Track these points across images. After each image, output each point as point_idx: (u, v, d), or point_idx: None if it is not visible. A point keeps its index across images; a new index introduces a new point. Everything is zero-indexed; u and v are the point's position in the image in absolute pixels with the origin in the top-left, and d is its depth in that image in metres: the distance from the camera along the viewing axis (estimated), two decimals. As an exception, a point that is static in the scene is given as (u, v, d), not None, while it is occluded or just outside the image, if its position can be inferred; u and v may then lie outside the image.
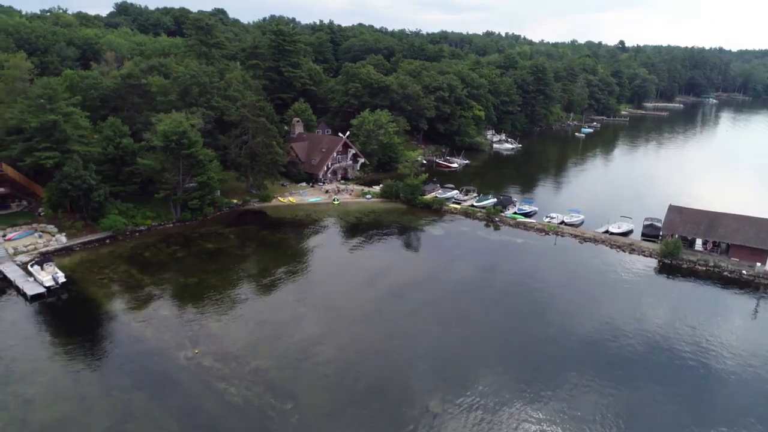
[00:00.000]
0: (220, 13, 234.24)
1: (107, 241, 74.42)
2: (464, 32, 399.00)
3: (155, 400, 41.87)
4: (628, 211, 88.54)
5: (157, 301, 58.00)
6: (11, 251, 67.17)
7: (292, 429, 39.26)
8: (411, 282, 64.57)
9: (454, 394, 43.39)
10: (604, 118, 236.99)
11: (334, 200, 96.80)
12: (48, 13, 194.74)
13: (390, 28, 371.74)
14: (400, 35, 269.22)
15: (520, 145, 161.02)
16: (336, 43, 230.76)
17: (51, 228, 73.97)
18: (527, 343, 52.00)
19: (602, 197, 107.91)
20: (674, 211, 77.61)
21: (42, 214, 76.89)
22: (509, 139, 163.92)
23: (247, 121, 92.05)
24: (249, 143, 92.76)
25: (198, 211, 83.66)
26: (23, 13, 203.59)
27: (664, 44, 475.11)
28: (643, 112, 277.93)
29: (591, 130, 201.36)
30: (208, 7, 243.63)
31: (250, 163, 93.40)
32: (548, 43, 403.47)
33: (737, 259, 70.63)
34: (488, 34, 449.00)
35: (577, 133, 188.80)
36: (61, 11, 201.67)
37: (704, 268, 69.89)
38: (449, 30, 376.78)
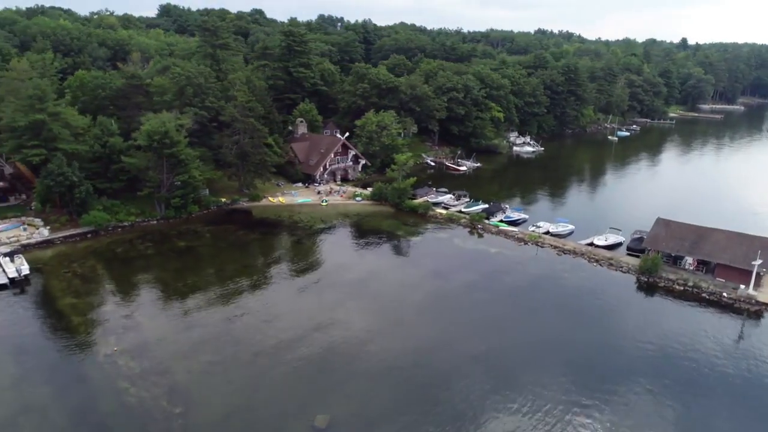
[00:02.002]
0: (257, 13, 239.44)
1: (88, 235, 77.48)
2: (517, 30, 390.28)
3: (58, 396, 43.13)
4: (630, 223, 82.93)
5: (105, 296, 59.87)
6: (-6, 243, 71.32)
7: (171, 433, 39.44)
8: (353, 291, 63.43)
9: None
10: (648, 120, 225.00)
11: (322, 202, 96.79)
12: (95, 15, 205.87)
13: (451, 27, 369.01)
14: (436, 34, 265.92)
15: (542, 148, 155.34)
16: (370, 43, 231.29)
17: (37, 221, 77.95)
18: (433, 356, 49.82)
19: (607, 207, 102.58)
20: (661, 224, 72.32)
21: (32, 208, 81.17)
22: (531, 142, 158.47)
23: (236, 121, 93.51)
24: (240, 143, 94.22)
25: (181, 209, 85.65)
26: (81, 15, 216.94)
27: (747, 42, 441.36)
28: (696, 114, 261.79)
29: (627, 134, 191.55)
30: (250, 8, 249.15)
31: (240, 162, 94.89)
32: (601, 41, 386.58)
33: (722, 280, 64.99)
34: (540, 32, 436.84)
35: (609, 137, 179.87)
36: (108, 14, 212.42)
37: (682, 288, 64.70)
38: (507, 29, 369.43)
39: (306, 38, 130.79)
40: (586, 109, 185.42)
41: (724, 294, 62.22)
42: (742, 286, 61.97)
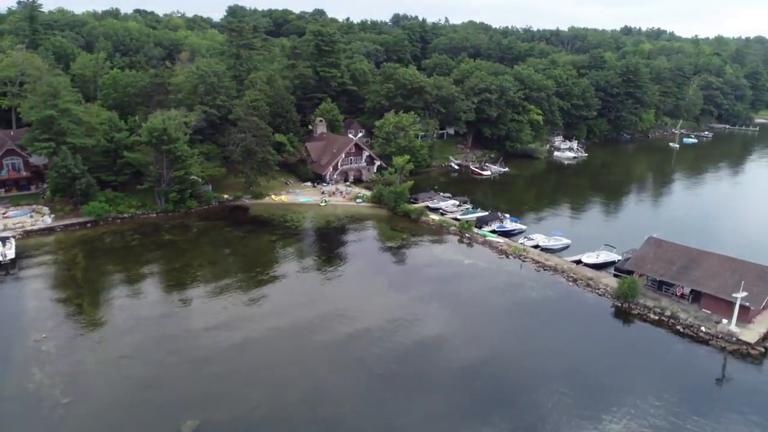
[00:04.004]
0: (318, 14, 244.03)
1: (88, 225, 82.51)
2: (610, 28, 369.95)
3: (-29, 378, 46.09)
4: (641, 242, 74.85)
5: (68, 284, 63.39)
6: (0, 227, 77.93)
7: (49, 421, 40.82)
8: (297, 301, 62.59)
9: None
10: (726, 126, 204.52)
11: (322, 202, 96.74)
12: (165, 17, 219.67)
13: (538, 27, 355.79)
14: (500, 33, 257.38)
15: (585, 154, 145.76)
16: (426, 42, 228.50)
17: (44, 210, 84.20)
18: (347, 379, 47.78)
19: (624, 223, 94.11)
20: (651, 244, 65.04)
21: (44, 197, 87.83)
22: (574, 147, 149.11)
23: (240, 120, 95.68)
24: (245, 141, 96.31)
25: (180, 203, 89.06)
26: (161, 15, 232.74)
27: None
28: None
29: (694, 141, 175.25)
30: (318, 8, 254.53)
31: (245, 160, 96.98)
32: (691, 39, 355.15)
33: (708, 312, 57.29)
34: (626, 30, 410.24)
35: (671, 143, 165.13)
36: (179, 15, 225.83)
37: (657, 318, 57.73)
38: (599, 27, 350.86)
39: (335, 38, 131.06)
40: (646, 113, 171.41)
41: (703, 328, 54.74)
42: (725, 321, 54.21)
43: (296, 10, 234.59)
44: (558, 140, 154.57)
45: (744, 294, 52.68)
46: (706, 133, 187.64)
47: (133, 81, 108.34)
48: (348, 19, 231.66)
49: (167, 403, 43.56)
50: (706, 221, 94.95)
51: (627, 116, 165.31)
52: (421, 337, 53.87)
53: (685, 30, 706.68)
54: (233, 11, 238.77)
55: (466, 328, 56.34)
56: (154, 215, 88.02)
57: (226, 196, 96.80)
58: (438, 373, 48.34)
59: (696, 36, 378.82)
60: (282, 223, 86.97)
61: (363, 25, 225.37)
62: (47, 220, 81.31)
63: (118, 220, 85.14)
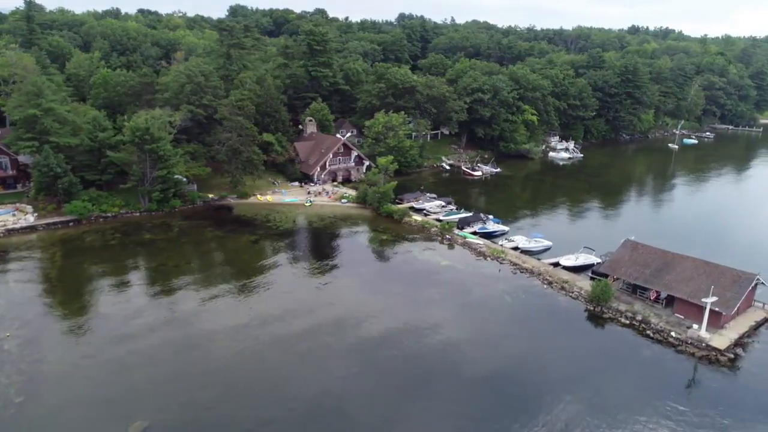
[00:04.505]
0: (319, 13, 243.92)
1: (71, 224, 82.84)
2: (617, 28, 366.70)
3: (-68, 374, 46.34)
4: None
5: (40, 282, 63.65)
6: (-18, 226, 78.48)
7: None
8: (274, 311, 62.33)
9: None
10: (730, 127, 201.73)
11: (306, 202, 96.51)
12: (170, 16, 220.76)
13: (548, 26, 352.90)
14: (502, 32, 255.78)
15: (581, 155, 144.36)
16: (427, 41, 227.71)
17: (28, 208, 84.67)
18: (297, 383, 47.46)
19: (611, 225, 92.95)
20: (627, 247, 64.08)
21: (29, 196, 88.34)
22: (570, 148, 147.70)
23: (225, 119, 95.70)
24: (230, 141, 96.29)
25: (163, 202, 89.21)
26: (164, 15, 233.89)
27: None
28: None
29: (694, 142, 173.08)
30: (324, 8, 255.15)
31: (229, 160, 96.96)
32: (697, 38, 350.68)
33: (681, 317, 56.26)
34: (633, 29, 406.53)
35: (670, 145, 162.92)
36: (179, 15, 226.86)
37: (628, 322, 56.78)
38: (607, 26, 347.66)
39: (327, 37, 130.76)
40: (645, 114, 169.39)
41: (673, 333, 53.75)
42: (695, 326, 53.18)
43: (298, 10, 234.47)
44: (554, 141, 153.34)
45: (714, 299, 51.65)
46: (707, 133, 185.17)
47: (123, 80, 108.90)
48: (347, 18, 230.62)
49: (120, 403, 43.39)
50: (691, 224, 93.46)
51: (625, 116, 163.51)
52: (370, 335, 54.04)
53: (695, 29, 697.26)
54: (234, 11, 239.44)
55: (425, 328, 55.50)
56: (138, 214, 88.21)
57: (211, 195, 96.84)
58: (390, 368, 48.02)
59: (705, 35, 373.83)
60: (264, 223, 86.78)
61: (363, 24, 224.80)
62: (30, 219, 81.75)
63: (101, 219, 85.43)
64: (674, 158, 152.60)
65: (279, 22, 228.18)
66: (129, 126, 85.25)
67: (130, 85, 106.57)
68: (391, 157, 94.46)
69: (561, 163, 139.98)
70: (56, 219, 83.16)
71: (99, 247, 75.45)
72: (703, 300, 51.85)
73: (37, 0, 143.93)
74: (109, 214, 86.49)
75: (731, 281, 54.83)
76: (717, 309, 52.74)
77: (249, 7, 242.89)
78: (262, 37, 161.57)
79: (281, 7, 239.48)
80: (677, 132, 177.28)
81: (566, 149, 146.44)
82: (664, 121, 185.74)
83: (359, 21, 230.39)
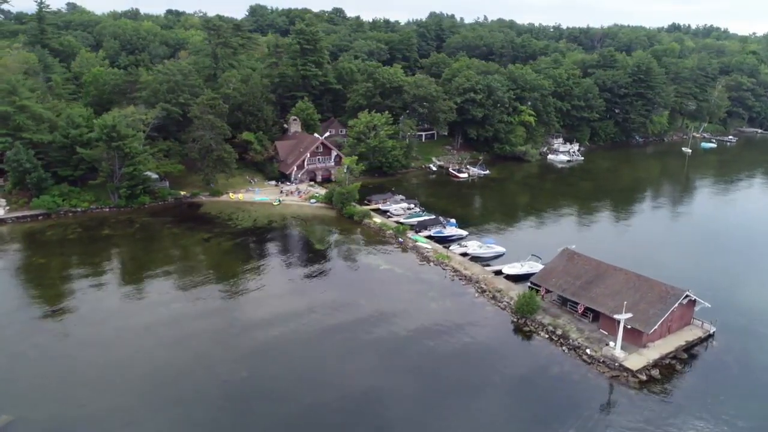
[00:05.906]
0: (336, 13, 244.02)
1: (40, 217, 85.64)
2: (644, 25, 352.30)
3: None
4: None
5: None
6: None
7: None
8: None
9: None
10: (759, 131, 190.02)
11: (275, 202, 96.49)
12: (188, 16, 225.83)
13: (597, 25, 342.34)
14: (525, 31, 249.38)
15: (582, 158, 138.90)
16: (442, 40, 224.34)
17: (2, 201, 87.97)
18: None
19: (579, 234, 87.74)
20: (563, 256, 60.82)
21: (5, 189, 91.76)
22: (570, 150, 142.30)
23: (197, 118, 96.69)
24: (202, 139, 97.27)
25: (132, 198, 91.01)
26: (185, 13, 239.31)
27: None
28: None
29: (713, 145, 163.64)
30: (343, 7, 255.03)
31: (201, 157, 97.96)
32: (739, 36, 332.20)
33: (606, 332, 52.85)
34: (674, 27, 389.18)
35: (684, 148, 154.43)
36: (200, 15, 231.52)
37: (548, 336, 53.76)
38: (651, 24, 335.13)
39: (317, 36, 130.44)
40: (658, 115, 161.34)
41: (588, 350, 50.49)
42: (611, 343, 49.81)
43: (317, 9, 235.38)
44: (557, 143, 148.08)
45: (628, 315, 48.19)
46: (730, 137, 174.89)
47: (111, 79, 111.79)
48: (358, 17, 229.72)
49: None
50: (662, 236, 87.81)
51: (636, 118, 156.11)
52: (266, 340, 53.37)
53: (742, 28, 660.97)
54: (254, 10, 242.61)
55: (328, 339, 54.14)
56: (107, 210, 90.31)
57: (183, 192, 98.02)
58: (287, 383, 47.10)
59: (753, 34, 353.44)
60: (225, 221, 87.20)
61: (374, 23, 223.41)
62: (0, 212, 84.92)
63: (71, 214, 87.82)
64: (686, 163, 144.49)
65: (295, 22, 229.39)
66: (97, 123, 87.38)
67: (116, 84, 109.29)
68: (355, 157, 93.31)
69: (559, 166, 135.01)
70: (26, 213, 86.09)
71: (55, 241, 77.59)
72: (616, 316, 48.46)
73: (53, 1, 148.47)
74: (79, 209, 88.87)
75: (658, 297, 51.13)
76: (635, 326, 49.22)
77: (269, 7, 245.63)
78: (253, 36, 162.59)
79: (300, 7, 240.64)
80: (697, 135, 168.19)
81: (568, 152, 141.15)
82: (685, 124, 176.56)
83: (370, 20, 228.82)
